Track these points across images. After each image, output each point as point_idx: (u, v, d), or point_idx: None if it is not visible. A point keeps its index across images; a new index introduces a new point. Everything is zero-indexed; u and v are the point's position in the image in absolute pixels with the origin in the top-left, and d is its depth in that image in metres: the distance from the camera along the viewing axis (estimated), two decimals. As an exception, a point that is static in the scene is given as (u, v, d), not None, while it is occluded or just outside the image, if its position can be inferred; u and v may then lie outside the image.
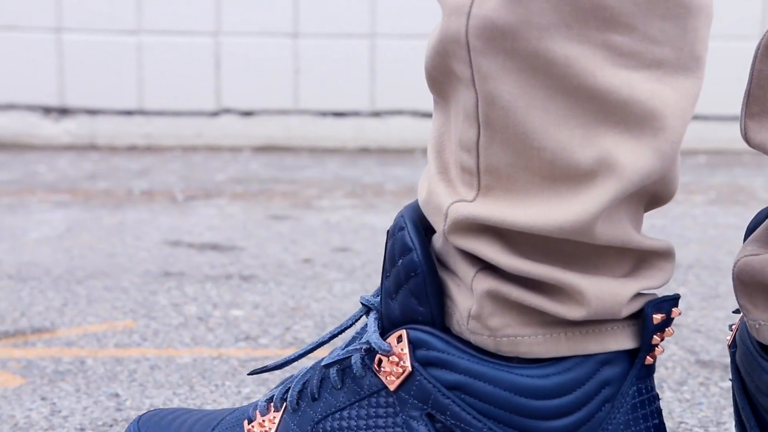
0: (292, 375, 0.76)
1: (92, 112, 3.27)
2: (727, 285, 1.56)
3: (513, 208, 0.61)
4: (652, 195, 0.64)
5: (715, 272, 1.64)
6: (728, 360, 1.20)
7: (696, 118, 3.13)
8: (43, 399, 1.06)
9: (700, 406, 1.06)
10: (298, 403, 0.71)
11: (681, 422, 1.01)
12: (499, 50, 0.58)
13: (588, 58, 0.57)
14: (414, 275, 0.65)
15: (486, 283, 0.62)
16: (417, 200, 0.68)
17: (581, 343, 0.63)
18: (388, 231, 0.68)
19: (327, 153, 3.23)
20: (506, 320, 0.63)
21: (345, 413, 0.68)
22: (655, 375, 1.16)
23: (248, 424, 0.73)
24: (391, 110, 3.30)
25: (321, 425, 0.69)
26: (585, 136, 0.59)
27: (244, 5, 3.25)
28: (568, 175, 0.59)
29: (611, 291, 0.62)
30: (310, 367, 0.73)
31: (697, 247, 1.82)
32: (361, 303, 0.71)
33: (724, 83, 3.14)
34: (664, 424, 0.67)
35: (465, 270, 0.64)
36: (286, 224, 2.05)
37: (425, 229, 0.67)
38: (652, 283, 0.64)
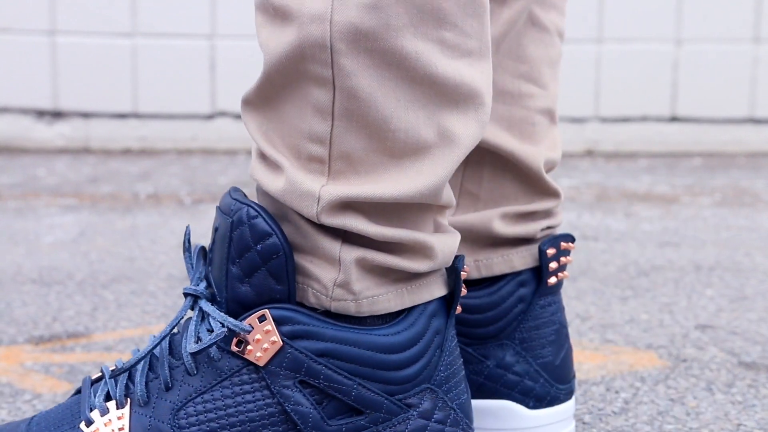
0: (104, 369, 0.78)
1: (86, 115, 3.25)
2: (752, 286, 1.58)
3: (369, 184, 0.72)
4: None
5: (738, 274, 1.65)
6: (772, 361, 1.21)
7: (689, 120, 3.15)
8: (95, 405, 1.05)
9: (754, 408, 1.06)
10: (148, 396, 0.75)
11: (740, 425, 1.02)
12: (360, 50, 0.69)
13: (430, 52, 0.70)
14: (276, 257, 0.73)
15: (354, 252, 0.73)
16: (233, 191, 0.77)
17: (417, 293, 0.76)
18: (232, 221, 0.74)
19: (323, 156, 3.23)
20: (367, 283, 0.74)
21: (207, 396, 0.74)
22: (703, 377, 1.16)
23: (87, 426, 0.75)
24: (387, 113, 3.29)
25: (183, 411, 0.74)
26: (427, 116, 0.71)
27: (239, 8, 3.24)
28: (416, 150, 0.72)
29: (450, 244, 0.77)
30: (138, 359, 0.76)
31: (714, 249, 1.83)
32: (188, 293, 0.77)
33: (717, 86, 3.16)
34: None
35: (329, 244, 0.73)
36: (300, 227, 2.04)
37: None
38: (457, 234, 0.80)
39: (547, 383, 0.91)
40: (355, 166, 0.72)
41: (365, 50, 0.69)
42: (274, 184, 0.74)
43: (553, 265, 0.92)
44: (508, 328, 0.91)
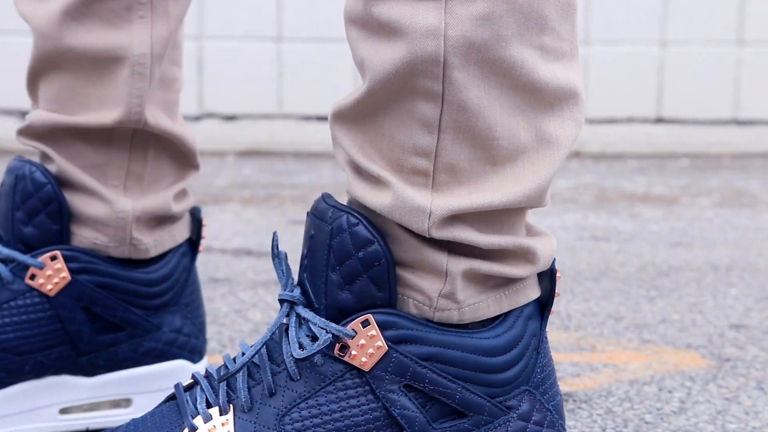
0: (197, 375, 0.78)
1: (72, 116, 3.22)
2: (774, 286, 1.59)
3: (474, 194, 0.72)
4: None
5: (756, 274, 1.67)
6: (815, 360, 1.22)
7: (675, 122, 3.18)
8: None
9: (810, 405, 1.08)
10: (252, 402, 0.75)
11: (801, 422, 1.03)
12: (471, 62, 0.70)
13: (532, 58, 0.71)
14: (378, 264, 0.73)
15: (461, 263, 0.74)
16: (326, 197, 0.76)
17: (514, 298, 0.76)
18: (331, 228, 0.73)
19: (312, 157, 3.21)
20: (470, 292, 0.75)
21: (312, 401, 0.74)
22: (751, 376, 1.17)
23: None
24: (375, 114, 3.29)
25: (288, 417, 0.74)
26: (526, 120, 0.72)
27: (227, 9, 3.23)
28: (516, 155, 0.73)
29: (549, 247, 0.77)
30: (242, 365, 0.76)
31: (726, 250, 1.85)
32: (285, 300, 0.76)
33: (702, 88, 3.19)
34: None
35: (436, 257, 0.73)
36: (309, 229, 2.03)
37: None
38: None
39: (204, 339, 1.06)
40: (458, 176, 0.73)
41: (476, 62, 0.70)
42: (379, 200, 0.74)
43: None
44: (175, 295, 1.02)
